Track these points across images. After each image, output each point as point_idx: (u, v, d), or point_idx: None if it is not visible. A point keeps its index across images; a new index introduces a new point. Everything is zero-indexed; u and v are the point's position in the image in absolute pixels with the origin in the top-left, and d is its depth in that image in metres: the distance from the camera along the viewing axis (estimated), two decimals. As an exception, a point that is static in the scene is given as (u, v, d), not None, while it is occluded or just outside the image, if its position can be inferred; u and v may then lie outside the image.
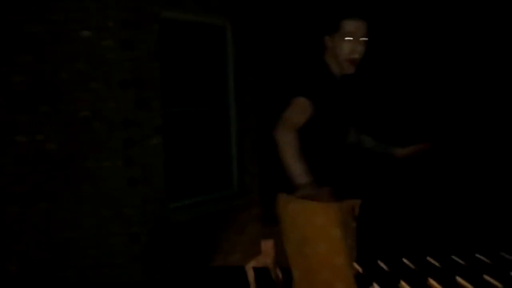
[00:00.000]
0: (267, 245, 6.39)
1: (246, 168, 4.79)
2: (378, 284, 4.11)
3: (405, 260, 4.74)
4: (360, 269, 4.40)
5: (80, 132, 3.68)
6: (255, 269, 4.43)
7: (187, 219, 4.21)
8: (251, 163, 4.85)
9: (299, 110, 2.16)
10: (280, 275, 4.36)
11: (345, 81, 2.38)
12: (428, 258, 4.80)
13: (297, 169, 2.04)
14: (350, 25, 2.21)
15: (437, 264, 4.67)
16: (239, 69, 4.77)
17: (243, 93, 4.80)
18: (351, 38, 2.21)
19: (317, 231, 2.18)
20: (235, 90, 4.78)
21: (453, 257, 4.87)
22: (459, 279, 4.19)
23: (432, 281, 4.15)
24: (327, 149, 2.28)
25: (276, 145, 2.09)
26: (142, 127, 3.80)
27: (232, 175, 4.77)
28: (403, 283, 4.12)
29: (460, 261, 4.76)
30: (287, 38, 6.42)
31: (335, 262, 2.16)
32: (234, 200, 4.68)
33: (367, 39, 2.25)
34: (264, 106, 5.15)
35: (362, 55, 2.24)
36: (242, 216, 4.74)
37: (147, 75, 3.84)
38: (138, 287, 3.82)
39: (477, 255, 4.89)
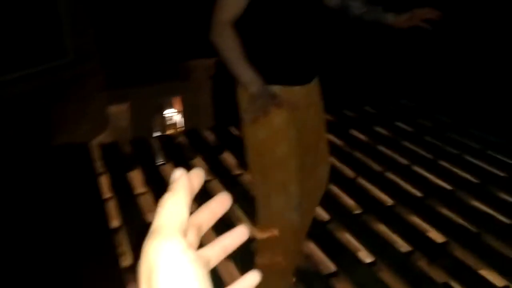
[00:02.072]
0: (116, 110, 6.04)
1: (80, 32, 4.20)
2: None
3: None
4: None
5: None
6: (102, 146, 4.11)
7: (17, 94, 3.64)
8: (86, 26, 4.25)
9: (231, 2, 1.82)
10: (130, 149, 4.13)
11: None
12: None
13: (245, 76, 1.82)
14: None
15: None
16: None
17: None
18: None
19: (273, 132, 2.00)
20: None
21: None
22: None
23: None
24: (284, 29, 1.94)
25: (216, 50, 1.80)
26: None
27: (65, 41, 4.15)
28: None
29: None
30: None
31: (277, 152, 2.00)
32: (71, 69, 4.15)
33: None
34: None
35: None
36: (83, 86, 4.26)
37: None
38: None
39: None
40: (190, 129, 6.33)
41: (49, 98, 3.91)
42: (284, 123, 1.99)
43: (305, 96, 2.09)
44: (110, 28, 5.56)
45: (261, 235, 2.11)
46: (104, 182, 3.59)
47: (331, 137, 4.23)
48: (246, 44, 1.94)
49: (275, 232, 2.05)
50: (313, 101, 2.16)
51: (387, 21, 2.15)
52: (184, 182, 0.44)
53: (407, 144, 4.32)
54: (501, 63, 5.10)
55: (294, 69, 2.02)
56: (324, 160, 2.30)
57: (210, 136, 4.56)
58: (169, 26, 6.24)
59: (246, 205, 3.09)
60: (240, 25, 1.89)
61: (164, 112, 8.54)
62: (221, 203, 0.49)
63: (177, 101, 8.18)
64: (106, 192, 3.45)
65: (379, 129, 4.68)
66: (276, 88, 1.97)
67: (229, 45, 1.83)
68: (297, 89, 2.04)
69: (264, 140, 2.01)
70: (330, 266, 2.79)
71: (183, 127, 7.84)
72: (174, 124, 8.60)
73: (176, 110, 8.52)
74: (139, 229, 2.93)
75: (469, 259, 2.78)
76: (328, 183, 2.37)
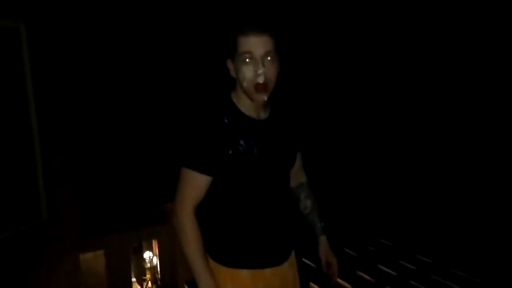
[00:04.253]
0: (91, 258, 5.83)
1: (56, 192, 4.18)
2: None
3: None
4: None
5: None
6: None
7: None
8: (62, 186, 4.24)
9: (189, 186, 1.81)
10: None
11: (275, 110, 1.97)
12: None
13: (199, 275, 1.80)
14: (244, 42, 1.76)
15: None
16: (39, 79, 4.11)
17: (45, 103, 4.15)
18: (249, 60, 1.75)
19: None
20: (35, 101, 4.10)
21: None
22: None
23: None
24: (244, 208, 1.90)
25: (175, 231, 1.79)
26: None
27: (40, 201, 4.11)
28: None
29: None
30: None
31: None
32: (45, 231, 4.05)
33: (272, 56, 1.77)
34: (78, 120, 4.56)
35: (272, 78, 1.78)
36: (56, 248, 4.13)
37: None
38: None
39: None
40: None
41: (18, 263, 3.77)
42: None
43: (278, 278, 1.97)
44: (85, 178, 5.59)
45: None
46: None
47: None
48: (210, 227, 1.92)
49: None
50: (287, 283, 2.04)
51: (317, 236, 2.19)
52: None
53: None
54: (482, 204, 5.18)
55: (260, 250, 1.92)
56: None
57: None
58: (143, 172, 6.32)
59: None
60: (203, 206, 1.88)
61: (142, 256, 8.30)
62: None
63: (154, 244, 8.01)
64: None
65: (361, 274, 4.58)
66: (245, 273, 1.91)
67: (188, 239, 1.79)
68: (267, 271, 1.94)
69: None
70: None
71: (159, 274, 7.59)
72: (154, 267, 8.32)
73: (153, 254, 8.30)
74: None
75: None
76: None
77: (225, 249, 1.91)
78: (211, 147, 1.78)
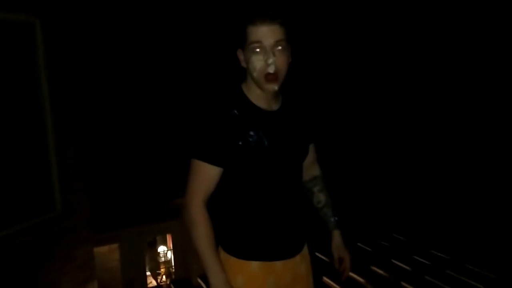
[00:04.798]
0: (106, 251, 5.88)
1: (70, 185, 4.21)
2: None
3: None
4: None
5: None
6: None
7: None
8: (76, 179, 4.27)
9: (200, 178, 1.78)
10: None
11: (287, 101, 1.93)
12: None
13: (209, 266, 1.75)
14: (254, 32, 1.73)
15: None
16: (54, 74, 4.14)
17: (59, 99, 4.19)
18: (259, 50, 1.72)
19: None
20: (49, 96, 4.14)
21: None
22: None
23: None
24: (256, 199, 1.86)
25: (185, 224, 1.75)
26: None
27: (54, 194, 4.15)
28: None
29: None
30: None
31: None
32: (59, 224, 4.09)
33: (283, 46, 1.73)
34: (92, 115, 4.60)
35: (282, 68, 1.74)
36: (69, 241, 4.17)
37: None
38: None
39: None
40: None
41: (33, 255, 3.81)
42: None
43: (289, 272, 1.93)
44: (99, 173, 5.63)
45: None
46: None
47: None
48: (221, 219, 1.90)
49: None
50: (299, 277, 1.99)
51: (330, 231, 2.15)
52: None
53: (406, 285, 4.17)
54: (497, 199, 5.11)
55: (271, 242, 1.88)
56: None
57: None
58: (156, 167, 6.35)
59: None
60: (215, 197, 1.86)
61: (157, 250, 8.39)
62: None
63: (169, 238, 8.06)
64: None
65: (375, 269, 4.54)
66: (256, 265, 1.89)
67: (198, 232, 1.76)
68: (279, 264, 1.90)
69: None
70: None
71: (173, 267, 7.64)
72: (168, 261, 8.39)
73: (167, 248, 8.36)
74: None
75: None
76: None
77: (236, 240, 1.89)
78: (221, 138, 1.74)
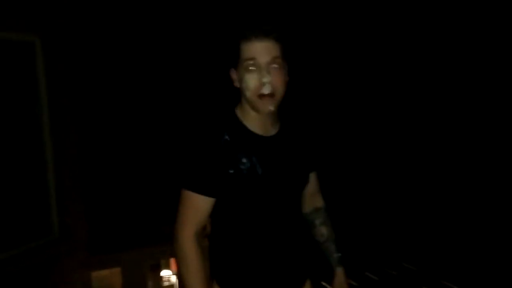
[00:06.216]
0: (108, 275, 5.75)
1: (68, 209, 4.11)
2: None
3: None
4: None
5: None
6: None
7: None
8: (74, 202, 4.18)
9: (190, 209, 1.68)
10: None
11: (286, 126, 1.82)
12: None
13: None
14: (247, 48, 1.62)
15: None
16: (54, 93, 4.09)
17: (60, 121, 4.12)
18: (253, 68, 1.61)
19: None
20: (49, 118, 4.08)
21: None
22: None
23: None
24: (249, 235, 1.74)
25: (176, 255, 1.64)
26: None
27: (51, 217, 4.05)
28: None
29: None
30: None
31: None
32: (55, 247, 3.98)
33: (279, 63, 1.63)
34: (90, 136, 4.53)
35: (279, 87, 1.62)
36: (65, 265, 4.06)
37: None
38: None
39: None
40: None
41: (27, 280, 3.70)
42: None
43: None
44: (100, 194, 5.55)
45: None
46: None
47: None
48: (215, 251, 1.79)
49: None
50: None
51: (333, 267, 2.01)
52: None
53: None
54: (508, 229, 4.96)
55: (268, 277, 1.75)
56: None
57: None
58: (160, 188, 6.27)
59: None
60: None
61: (160, 274, 8.21)
62: None
63: (173, 262, 7.90)
64: None
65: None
66: None
67: (190, 269, 1.65)
68: None
69: None
70: None
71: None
72: (172, 286, 8.22)
73: (172, 272, 8.19)
74: None
75: None
76: None
77: (231, 274, 1.77)
78: (210, 166, 1.64)
